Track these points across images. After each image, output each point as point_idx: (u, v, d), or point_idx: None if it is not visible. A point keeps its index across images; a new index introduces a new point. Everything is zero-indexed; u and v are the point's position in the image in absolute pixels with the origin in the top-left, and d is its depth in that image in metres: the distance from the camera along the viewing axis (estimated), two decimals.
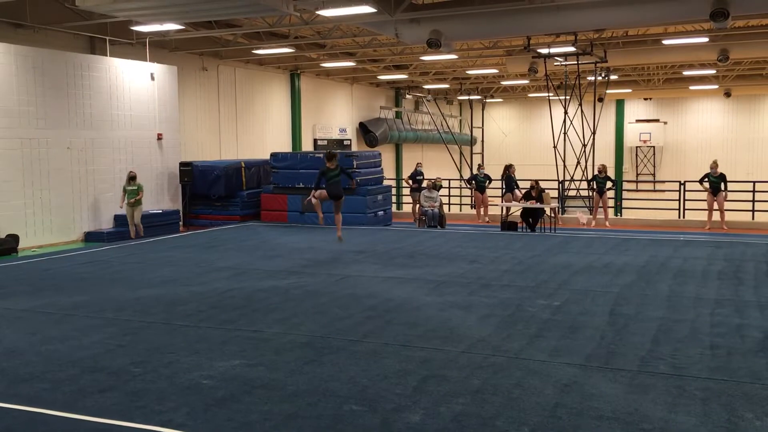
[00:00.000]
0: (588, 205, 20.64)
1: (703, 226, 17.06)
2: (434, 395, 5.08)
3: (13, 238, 13.57)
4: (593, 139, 22.12)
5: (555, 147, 21.67)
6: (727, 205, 17.09)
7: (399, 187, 25.97)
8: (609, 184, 18.25)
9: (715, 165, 16.98)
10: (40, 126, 14.38)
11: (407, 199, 22.98)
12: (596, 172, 18.27)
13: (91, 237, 15.22)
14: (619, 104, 34.90)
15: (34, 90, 14.20)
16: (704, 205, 17.27)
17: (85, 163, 15.42)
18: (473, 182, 20.03)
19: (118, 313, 7.80)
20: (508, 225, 16.26)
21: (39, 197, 14.41)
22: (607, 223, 17.92)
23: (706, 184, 16.90)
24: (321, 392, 5.17)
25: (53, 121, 14.65)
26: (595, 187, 18.12)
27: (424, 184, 17.95)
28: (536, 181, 16.25)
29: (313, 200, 11.81)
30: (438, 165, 29.83)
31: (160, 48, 18.05)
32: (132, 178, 14.95)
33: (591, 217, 18.34)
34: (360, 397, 5.07)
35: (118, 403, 5.02)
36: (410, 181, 19.40)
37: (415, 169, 19.60)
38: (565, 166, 21.88)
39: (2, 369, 5.84)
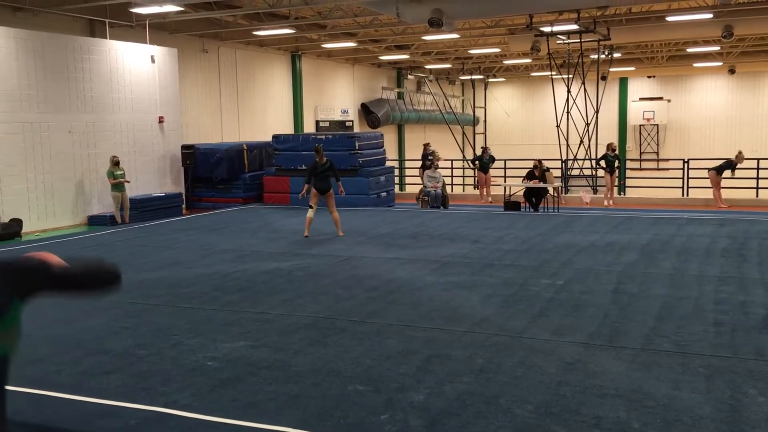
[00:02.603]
0: (592, 184, 20.58)
1: (708, 204, 17.01)
2: (438, 374, 5.09)
3: (17, 223, 13.59)
4: (596, 117, 22.01)
5: (558, 126, 21.55)
6: (730, 183, 17.10)
7: (402, 168, 25.91)
8: (616, 163, 18.12)
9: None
10: (41, 110, 14.34)
11: (410, 180, 22.96)
12: (609, 151, 17.92)
13: (94, 221, 15.24)
14: (623, 82, 34.67)
15: (34, 74, 14.14)
16: (709, 183, 17.20)
17: (86, 146, 15.39)
18: (476, 162, 20.02)
19: (123, 296, 7.79)
20: (511, 205, 16.23)
21: (41, 181, 14.41)
22: (611, 203, 17.84)
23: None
24: (325, 373, 5.18)
25: (54, 105, 14.61)
26: (604, 165, 17.83)
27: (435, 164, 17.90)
28: (539, 161, 16.17)
29: (309, 214, 11.64)
30: (441, 145, 29.65)
31: (159, 30, 17.93)
32: (117, 163, 14.90)
33: (608, 196, 17.94)
34: (364, 377, 5.08)
35: (123, 385, 5.04)
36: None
37: (425, 149, 19.67)
38: (568, 145, 21.79)
39: None
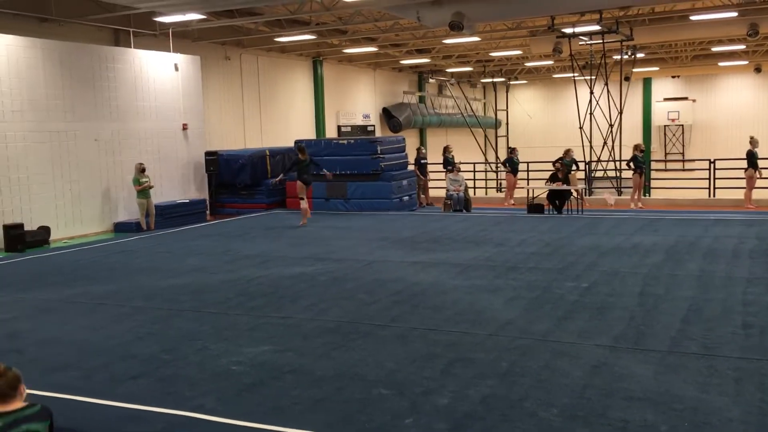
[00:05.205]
0: (616, 185, 20.37)
1: (736, 204, 16.74)
2: (462, 378, 5.07)
3: (45, 230, 13.79)
4: (620, 119, 21.82)
5: (581, 128, 21.40)
6: (758, 183, 16.81)
7: None
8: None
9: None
10: (68, 119, 14.56)
11: (434, 183, 22.97)
12: (637, 152, 17.27)
13: (120, 227, 15.41)
14: (647, 83, 34.32)
15: (60, 83, 14.36)
16: (736, 183, 16.92)
17: (112, 154, 15.59)
18: (507, 165, 19.77)
19: (148, 302, 7.90)
20: (534, 207, 16.13)
21: (69, 189, 14.62)
22: (641, 204, 17.50)
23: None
24: (349, 376, 5.19)
25: (80, 114, 14.82)
26: (633, 167, 17.34)
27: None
28: (564, 153, 15.95)
29: (302, 205, 13.94)
30: (463, 149, 29.61)
31: (182, 38, 18.13)
32: (143, 170, 15.05)
33: (636, 198, 17.54)
34: (388, 380, 5.08)
35: (149, 390, 5.09)
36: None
37: (418, 153, 19.75)
38: (591, 147, 21.62)
39: (37, 358, 5.95)
